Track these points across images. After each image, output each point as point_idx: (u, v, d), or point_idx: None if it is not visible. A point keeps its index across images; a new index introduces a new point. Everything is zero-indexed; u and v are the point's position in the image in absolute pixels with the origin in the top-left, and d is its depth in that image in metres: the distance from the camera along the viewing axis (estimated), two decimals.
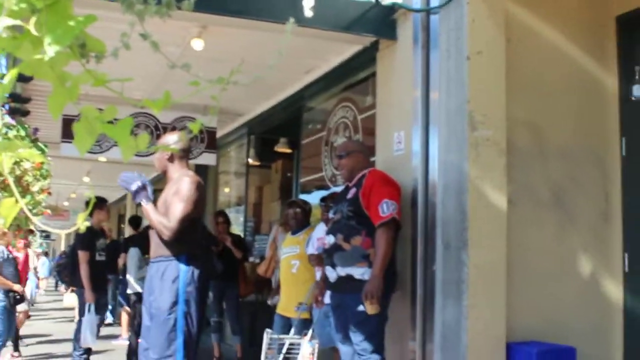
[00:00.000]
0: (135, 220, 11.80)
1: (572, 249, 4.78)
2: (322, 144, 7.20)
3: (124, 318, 11.44)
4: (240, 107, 8.99)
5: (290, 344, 5.74)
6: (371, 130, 5.80)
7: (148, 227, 5.00)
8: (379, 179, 4.74)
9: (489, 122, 4.43)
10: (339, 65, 6.55)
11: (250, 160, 10.18)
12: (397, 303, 4.84)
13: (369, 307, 4.39)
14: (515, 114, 4.61)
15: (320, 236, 5.62)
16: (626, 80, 4.86)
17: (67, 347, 8.98)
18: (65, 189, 18.54)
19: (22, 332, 10.00)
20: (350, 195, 4.80)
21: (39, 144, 8.78)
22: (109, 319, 12.44)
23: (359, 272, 4.57)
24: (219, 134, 9.56)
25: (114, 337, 11.54)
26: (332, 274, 4.76)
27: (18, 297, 8.60)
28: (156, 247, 4.70)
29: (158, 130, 8.62)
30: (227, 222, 8.64)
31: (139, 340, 8.00)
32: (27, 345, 10.84)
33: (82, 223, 1.39)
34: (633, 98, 4.82)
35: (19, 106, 7.80)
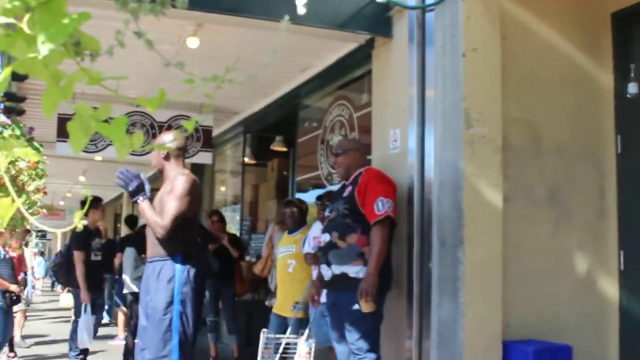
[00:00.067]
0: (132, 220, 11.79)
1: (567, 247, 4.79)
2: (318, 142, 7.20)
3: (121, 318, 11.43)
4: (236, 105, 8.98)
5: (287, 344, 5.73)
6: (367, 128, 5.81)
7: (144, 227, 4.99)
8: (374, 177, 4.74)
9: (484, 120, 4.43)
10: (334, 63, 6.54)
11: (246, 159, 10.17)
12: (393, 301, 4.84)
13: (364, 305, 4.39)
14: (511, 111, 4.61)
15: (316, 235, 5.61)
16: (621, 78, 4.87)
17: (64, 348, 8.97)
18: (60, 189, 18.51)
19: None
20: (346, 193, 4.81)
21: (34, 143, 8.76)
22: (105, 319, 12.42)
23: (354, 270, 4.57)
24: (214, 132, 9.56)
25: (111, 337, 11.53)
26: (327, 272, 4.76)
27: (14, 297, 8.58)
28: (152, 247, 4.69)
29: (153, 129, 8.61)
30: (222, 221, 8.63)
31: (135, 340, 8.01)
32: (29, 346, 10.82)
33: (79, 221, 1.38)
34: (628, 95, 4.82)
35: (14, 105, 7.78)
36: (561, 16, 4.93)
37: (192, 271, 4.63)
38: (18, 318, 10.79)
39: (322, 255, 4.83)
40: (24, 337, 11.09)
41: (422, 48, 4.88)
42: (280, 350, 5.73)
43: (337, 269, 4.66)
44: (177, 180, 4.64)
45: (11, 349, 9.71)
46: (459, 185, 4.38)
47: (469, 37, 4.47)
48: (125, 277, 9.04)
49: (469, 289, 4.28)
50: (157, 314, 4.52)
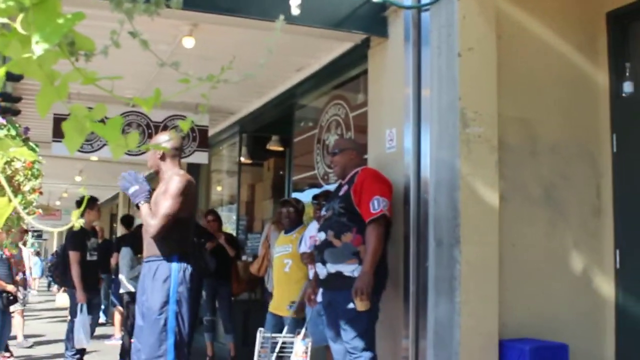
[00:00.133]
0: (128, 220, 11.78)
1: (563, 246, 4.80)
2: (314, 142, 7.20)
3: (117, 318, 11.42)
4: (232, 105, 8.98)
5: (283, 343, 5.74)
6: (363, 127, 5.81)
7: (140, 226, 4.99)
8: (370, 176, 4.75)
9: (480, 119, 4.44)
10: (330, 62, 6.54)
11: (243, 159, 10.17)
12: (389, 300, 4.84)
13: (359, 304, 4.39)
14: (507, 110, 4.62)
15: (312, 234, 5.62)
16: (617, 77, 4.88)
17: (60, 348, 8.96)
18: (56, 189, 18.49)
19: (13, 332, 9.95)
20: (342, 192, 4.81)
21: (30, 143, 8.74)
22: (101, 318, 12.40)
23: (349, 269, 4.58)
24: (210, 132, 9.55)
25: (107, 337, 11.52)
26: (322, 271, 4.77)
27: (11, 297, 8.57)
28: (148, 247, 4.70)
29: (149, 129, 8.61)
30: (218, 220, 8.63)
31: (132, 340, 8.00)
32: (31, 345, 10.80)
33: (76, 220, 1.38)
34: (624, 94, 4.83)
35: (9, 105, 7.76)
36: (557, 15, 4.94)
37: (188, 271, 4.63)
38: (18, 318, 10.77)
39: (317, 253, 4.84)
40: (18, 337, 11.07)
41: (418, 48, 4.88)
42: (277, 349, 5.73)
43: (332, 268, 4.66)
44: (172, 180, 4.64)
45: (6, 349, 9.69)
46: (455, 185, 4.38)
47: (465, 36, 4.47)
48: (122, 277, 9.03)
49: (466, 288, 4.28)
50: (153, 314, 4.52)
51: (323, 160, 6.94)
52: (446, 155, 4.51)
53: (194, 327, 7.40)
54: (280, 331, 5.96)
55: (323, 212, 4.99)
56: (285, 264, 6.32)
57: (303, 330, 5.50)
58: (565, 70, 4.94)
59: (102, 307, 11.96)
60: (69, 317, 8.09)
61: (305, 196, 7.29)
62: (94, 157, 9.54)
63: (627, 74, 4.81)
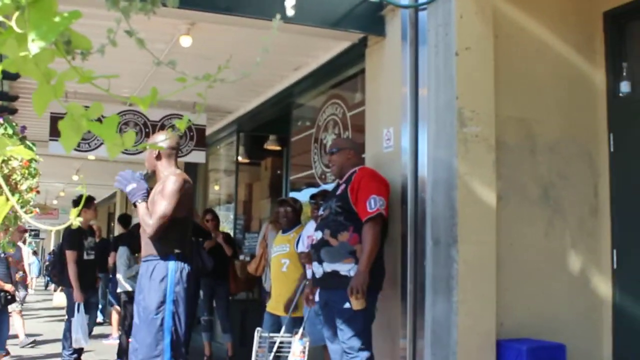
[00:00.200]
0: (125, 219, 11.76)
1: (561, 245, 4.80)
2: (312, 141, 7.20)
3: (114, 317, 11.40)
4: (229, 104, 8.97)
5: (281, 343, 5.73)
6: (360, 127, 5.80)
7: (137, 226, 4.99)
8: (367, 175, 4.75)
9: (477, 118, 4.44)
10: (327, 62, 6.54)
11: (240, 158, 10.16)
12: (387, 300, 4.84)
13: (354, 303, 4.39)
14: (504, 110, 4.62)
15: (310, 234, 5.62)
16: (614, 77, 4.88)
17: (57, 347, 8.95)
18: (54, 188, 18.47)
19: (11, 331, 9.94)
20: (339, 191, 4.82)
21: (27, 142, 8.72)
22: (99, 318, 12.39)
23: (346, 268, 4.58)
24: (208, 131, 9.54)
25: (105, 336, 11.50)
26: (318, 270, 4.77)
27: (9, 297, 8.56)
28: (146, 246, 4.69)
29: (147, 128, 8.60)
30: (216, 219, 8.62)
31: (130, 339, 8.00)
32: (33, 343, 10.77)
33: (74, 219, 1.38)
34: (621, 94, 4.84)
35: (6, 104, 7.75)
36: (554, 15, 4.94)
37: (185, 271, 4.63)
38: (17, 318, 10.76)
39: (314, 252, 4.84)
40: (15, 336, 11.05)
41: (415, 47, 4.87)
42: (275, 349, 5.73)
43: (328, 267, 4.66)
44: (169, 180, 4.64)
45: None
46: (452, 184, 4.38)
47: (462, 36, 4.47)
48: (119, 276, 9.03)
49: (463, 287, 4.28)
50: (149, 313, 4.52)
51: (320, 160, 6.93)
52: (443, 154, 4.51)
53: (192, 326, 7.40)
54: (278, 331, 5.96)
55: (320, 212, 4.99)
56: (282, 263, 6.32)
57: (300, 330, 5.50)
58: (563, 70, 4.95)
59: (100, 306, 11.95)
60: (67, 317, 8.09)
61: (303, 196, 7.30)
62: (91, 156, 9.52)
63: (625, 73, 4.81)
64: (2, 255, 8.73)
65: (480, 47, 4.52)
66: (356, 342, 4.50)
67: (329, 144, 6.57)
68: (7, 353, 9.70)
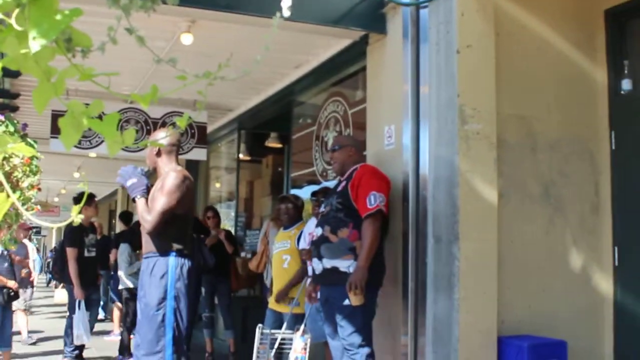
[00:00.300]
0: (126, 216, 11.77)
1: (562, 243, 4.80)
2: (313, 139, 7.20)
3: (116, 314, 11.42)
4: (231, 102, 8.97)
5: (283, 339, 5.74)
6: (362, 124, 5.80)
7: (138, 223, 5.00)
8: (368, 172, 4.76)
9: (479, 116, 4.43)
10: (328, 59, 6.54)
11: (241, 155, 10.16)
12: (388, 297, 4.85)
13: (353, 298, 4.40)
14: (505, 107, 4.62)
15: (311, 231, 5.62)
16: (615, 74, 4.88)
17: (59, 344, 8.96)
18: (55, 185, 18.49)
19: (15, 328, 9.94)
20: (340, 188, 4.83)
21: (29, 139, 8.74)
22: (100, 314, 12.41)
23: (345, 264, 4.58)
24: (209, 129, 9.55)
25: (106, 333, 11.52)
26: (318, 266, 4.78)
27: (12, 293, 8.56)
28: (146, 243, 4.71)
29: (148, 125, 8.60)
30: (217, 217, 8.63)
31: (131, 336, 8.01)
32: (35, 341, 10.78)
33: (76, 215, 1.38)
34: (622, 92, 4.83)
35: (7, 102, 7.76)
36: (555, 13, 4.94)
37: (186, 267, 4.64)
38: (21, 315, 10.77)
39: (314, 249, 4.85)
40: (18, 333, 11.07)
41: (417, 45, 4.87)
42: (276, 345, 5.74)
43: (328, 263, 4.67)
44: (169, 176, 4.65)
45: None
46: (453, 182, 4.38)
47: (463, 33, 4.47)
48: (121, 273, 9.04)
49: (464, 284, 4.29)
50: (150, 310, 4.54)
51: (322, 157, 6.93)
52: (445, 152, 4.51)
53: (193, 323, 7.41)
54: (280, 327, 5.96)
55: (321, 209, 5.00)
56: (283, 259, 6.33)
57: (302, 327, 5.51)
58: (564, 68, 4.94)
59: (101, 303, 11.97)
60: (68, 313, 8.10)
61: (304, 193, 7.29)
62: (92, 153, 9.53)
63: (626, 71, 4.81)
64: (5, 252, 8.73)
65: (482, 45, 4.52)
66: (356, 339, 4.51)
67: (330, 142, 6.57)
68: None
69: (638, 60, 4.80)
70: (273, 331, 5.85)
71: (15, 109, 7.85)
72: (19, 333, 10.55)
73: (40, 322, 13.65)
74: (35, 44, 1.06)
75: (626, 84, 4.79)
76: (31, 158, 5.21)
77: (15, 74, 6.47)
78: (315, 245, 4.83)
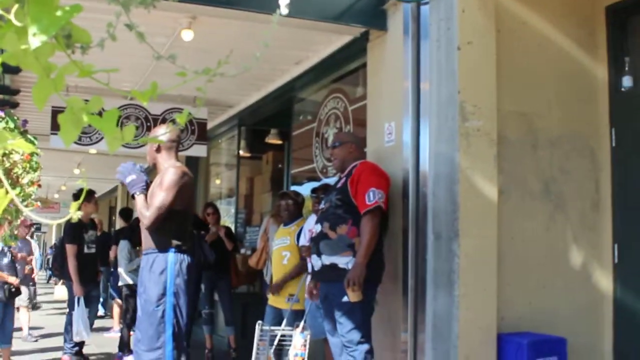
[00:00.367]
0: (126, 212, 11.77)
1: (562, 239, 4.80)
2: (313, 135, 7.19)
3: (116, 310, 11.42)
4: (231, 98, 8.97)
5: (282, 336, 5.74)
6: (362, 121, 5.80)
7: (138, 219, 5.00)
8: (368, 169, 4.76)
9: (479, 113, 4.43)
10: (329, 56, 6.53)
11: (241, 152, 10.16)
12: (388, 294, 4.85)
13: (350, 294, 4.40)
14: (506, 104, 4.62)
15: (311, 227, 5.62)
16: (616, 71, 4.87)
17: (59, 340, 8.96)
18: (55, 182, 18.48)
19: (16, 324, 9.95)
20: (339, 184, 4.83)
21: (29, 136, 8.73)
22: (100, 311, 12.42)
23: (344, 261, 4.58)
24: (209, 125, 9.54)
25: (106, 329, 11.52)
26: (317, 262, 4.78)
27: (13, 289, 8.56)
28: (146, 239, 4.72)
29: (148, 121, 8.59)
30: (217, 213, 8.63)
31: (131, 333, 8.01)
32: (36, 339, 10.79)
33: (74, 212, 1.38)
34: (623, 89, 4.83)
35: (7, 98, 7.76)
36: (556, 9, 4.93)
37: (185, 263, 4.64)
38: (23, 312, 10.78)
39: (313, 245, 4.85)
40: (19, 329, 11.08)
41: (417, 41, 4.87)
42: (276, 342, 5.74)
43: (327, 260, 4.67)
44: (167, 172, 4.66)
45: None
46: (454, 178, 4.38)
47: (464, 30, 4.47)
48: (121, 270, 9.04)
49: (464, 281, 4.29)
50: (150, 306, 4.55)
51: (322, 154, 6.93)
52: (445, 148, 4.50)
53: (193, 318, 7.41)
54: (279, 324, 5.97)
55: (322, 206, 5.00)
56: (283, 256, 6.33)
57: (302, 323, 5.51)
58: (565, 65, 4.94)
59: (101, 299, 11.97)
60: (68, 310, 8.10)
61: (304, 189, 7.29)
62: (92, 149, 9.53)
63: (627, 68, 4.81)
64: (5, 249, 8.72)
65: (482, 42, 4.52)
66: (355, 336, 4.51)
67: (330, 138, 6.57)
68: None
69: (639, 57, 4.80)
70: (273, 328, 5.85)
71: (15, 105, 7.85)
72: (20, 329, 10.55)
73: (40, 318, 13.66)
74: (36, 40, 1.05)
75: (627, 81, 4.79)
76: (31, 154, 5.21)
77: (15, 70, 6.46)
78: (314, 242, 4.83)
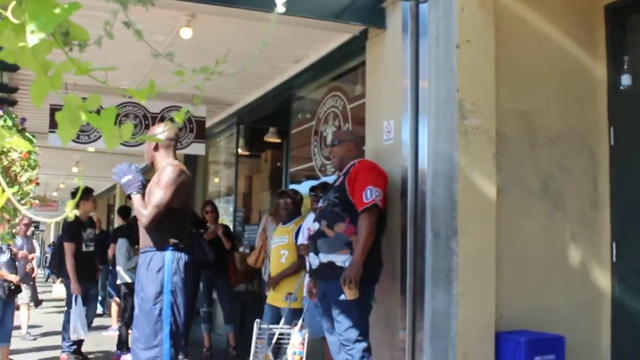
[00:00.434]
0: (124, 211, 11.76)
1: (561, 238, 4.80)
2: (312, 134, 7.19)
3: (114, 309, 11.41)
4: (230, 96, 8.96)
5: (280, 334, 5.74)
6: (361, 119, 5.80)
7: (136, 218, 5.01)
8: (365, 167, 4.76)
9: (478, 111, 4.43)
10: (328, 54, 6.53)
11: (240, 150, 10.16)
12: (386, 292, 4.85)
13: (347, 292, 4.40)
14: (505, 102, 4.61)
15: (310, 226, 5.62)
16: (615, 70, 4.87)
17: (57, 339, 8.95)
18: (53, 180, 18.47)
19: (15, 322, 9.94)
20: (337, 182, 4.83)
21: (27, 134, 8.71)
22: (98, 309, 12.40)
23: (341, 259, 4.58)
24: (208, 123, 9.53)
25: (104, 327, 11.51)
26: (314, 260, 4.78)
27: (13, 287, 8.55)
28: (143, 238, 4.71)
29: (147, 120, 8.59)
30: (215, 212, 8.62)
31: (129, 331, 8.01)
32: (35, 338, 10.78)
33: (70, 211, 1.37)
34: (622, 87, 4.83)
35: (6, 96, 7.75)
36: (555, 8, 4.93)
37: (182, 261, 4.64)
38: (24, 310, 10.77)
39: (311, 243, 4.85)
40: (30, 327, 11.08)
41: (416, 39, 4.87)
42: (274, 340, 5.74)
43: (324, 258, 4.68)
44: (165, 170, 4.66)
45: None
46: (452, 177, 4.38)
47: (463, 28, 4.46)
48: (119, 268, 9.04)
49: (463, 279, 4.29)
50: (147, 304, 4.54)
51: (320, 152, 6.93)
52: (444, 147, 4.50)
53: (191, 317, 7.41)
54: (278, 322, 5.96)
55: (320, 204, 5.00)
56: (281, 254, 6.32)
57: (300, 322, 5.51)
58: (564, 63, 4.94)
59: (99, 298, 11.96)
60: (66, 308, 8.09)
61: (303, 188, 7.29)
62: (90, 148, 9.51)
63: (625, 66, 4.81)
64: (4, 246, 8.71)
65: (481, 40, 4.51)
66: (353, 334, 4.51)
67: (329, 137, 6.57)
68: None
69: (638, 55, 4.80)
70: (271, 326, 5.85)
71: (13, 103, 7.84)
72: (18, 327, 10.54)
73: (38, 317, 13.64)
74: (33, 37, 1.05)
75: (626, 79, 4.79)
76: (29, 152, 5.20)
77: (13, 68, 6.45)
78: (312, 240, 4.83)
